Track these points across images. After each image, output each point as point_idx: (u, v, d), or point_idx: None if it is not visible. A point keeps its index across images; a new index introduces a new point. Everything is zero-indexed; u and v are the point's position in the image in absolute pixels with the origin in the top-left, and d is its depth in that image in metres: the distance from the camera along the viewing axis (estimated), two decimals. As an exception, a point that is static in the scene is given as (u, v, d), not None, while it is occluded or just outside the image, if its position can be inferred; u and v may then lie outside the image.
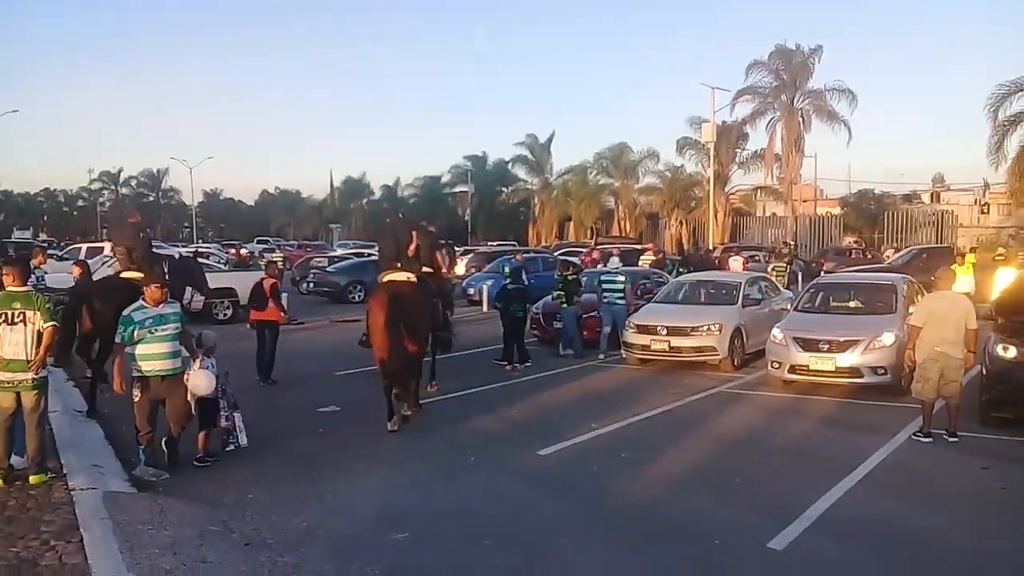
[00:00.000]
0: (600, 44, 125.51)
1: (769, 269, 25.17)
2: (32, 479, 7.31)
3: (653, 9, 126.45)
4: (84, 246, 32.88)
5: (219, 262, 30.08)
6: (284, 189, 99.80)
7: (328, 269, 29.49)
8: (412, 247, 10.71)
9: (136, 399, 7.83)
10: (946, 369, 9.02)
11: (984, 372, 9.93)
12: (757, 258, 31.11)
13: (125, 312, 7.81)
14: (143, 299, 7.94)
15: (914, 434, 9.24)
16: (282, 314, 13.42)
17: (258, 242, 60.18)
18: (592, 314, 16.17)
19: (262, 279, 13.56)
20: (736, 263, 24.73)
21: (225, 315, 21.14)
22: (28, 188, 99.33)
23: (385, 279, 10.53)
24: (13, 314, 7.19)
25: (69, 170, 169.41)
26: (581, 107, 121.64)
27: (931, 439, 9.05)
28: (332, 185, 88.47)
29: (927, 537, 6.39)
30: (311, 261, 33.79)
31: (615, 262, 19.11)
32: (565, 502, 7.37)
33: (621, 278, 16.90)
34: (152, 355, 7.80)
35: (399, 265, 10.59)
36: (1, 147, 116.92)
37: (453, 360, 15.33)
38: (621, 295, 16.03)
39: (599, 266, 22.39)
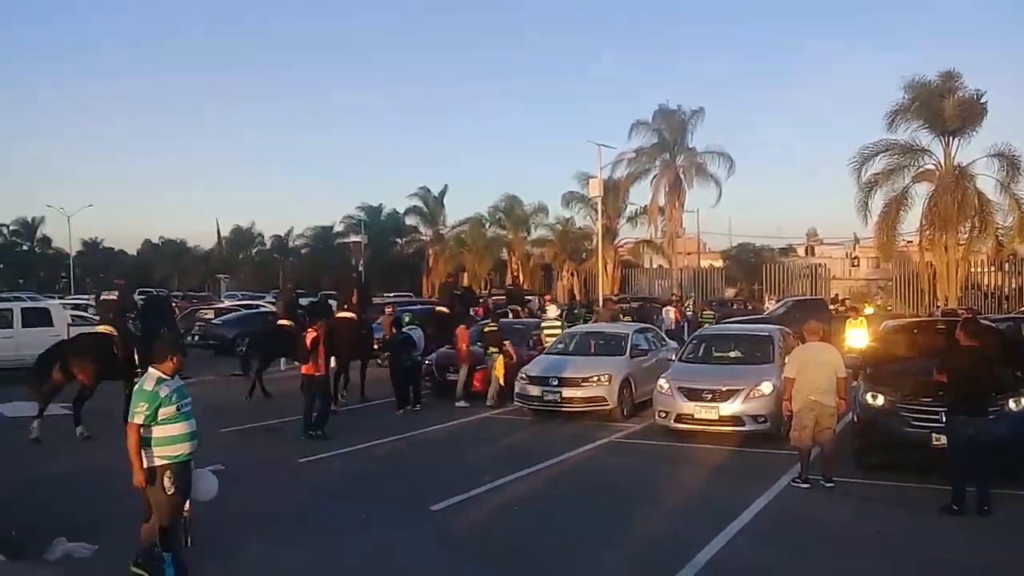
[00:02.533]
0: (489, 97, 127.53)
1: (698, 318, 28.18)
2: None
3: (543, 66, 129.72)
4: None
5: (97, 314, 28.79)
6: (168, 238, 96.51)
7: (214, 321, 28.64)
8: (354, 297, 17.12)
9: (171, 493, 6.28)
10: (820, 417, 9.48)
11: (855, 419, 10.49)
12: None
13: (143, 387, 6.36)
14: (158, 368, 6.45)
15: (792, 481, 9.63)
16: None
17: (140, 294, 57.89)
18: (481, 366, 16.33)
19: (307, 333, 13.34)
20: (670, 312, 27.91)
21: (103, 370, 20.20)
22: None
23: (338, 315, 16.42)
24: None
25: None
26: (474, 160, 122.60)
27: (808, 485, 9.45)
28: (219, 234, 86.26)
29: (805, 580, 6.67)
30: (196, 312, 32.73)
31: (553, 310, 19.97)
32: (457, 559, 7.34)
33: (558, 324, 17.55)
34: (181, 436, 6.37)
35: (346, 307, 16.88)
36: None
37: (346, 414, 15.16)
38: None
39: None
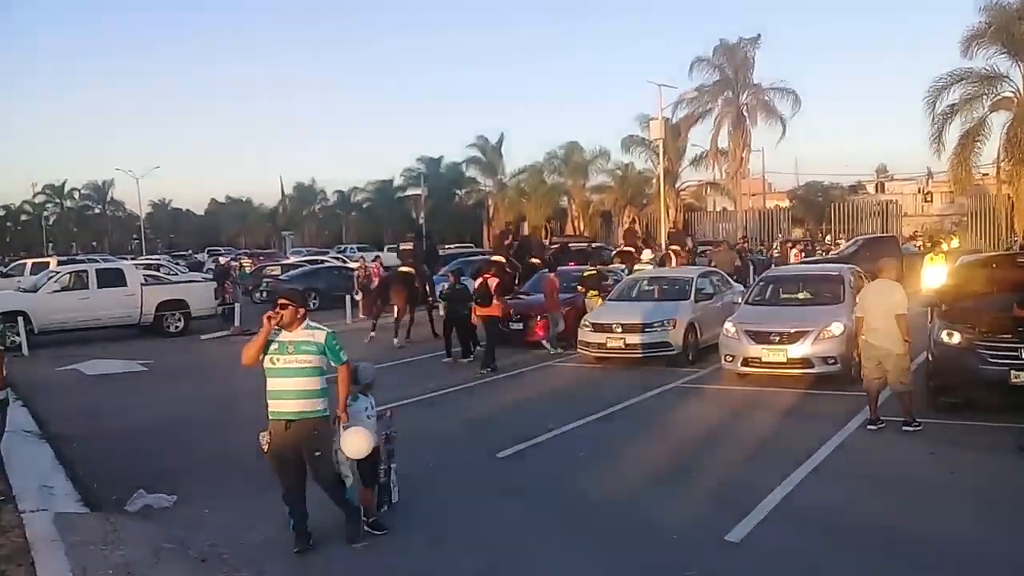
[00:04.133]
0: (546, 44, 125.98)
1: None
2: (-23, 503, 7.14)
3: (598, 9, 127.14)
4: (29, 261, 32.24)
5: (168, 273, 29.64)
6: (234, 197, 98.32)
7: (281, 277, 29.19)
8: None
9: (264, 449, 6.24)
10: (881, 359, 9.19)
11: (930, 358, 10.15)
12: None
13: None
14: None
15: (867, 423, 9.40)
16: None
17: (209, 252, 59.28)
18: (546, 315, 16.32)
19: (485, 278, 14.85)
20: (793, 254, 29.19)
21: (176, 328, 20.85)
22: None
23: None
24: None
25: (11, 183, 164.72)
26: (530, 107, 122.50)
27: (880, 426, 9.22)
28: (283, 192, 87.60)
29: (877, 524, 6.52)
30: (264, 269, 33.40)
31: (648, 255, 20.87)
32: (525, 504, 7.39)
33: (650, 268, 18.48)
34: (275, 392, 6.17)
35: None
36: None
37: (410, 364, 15.36)
38: None
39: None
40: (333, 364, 6.25)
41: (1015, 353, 8.99)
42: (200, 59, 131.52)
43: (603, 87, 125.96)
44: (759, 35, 44.20)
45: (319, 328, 6.30)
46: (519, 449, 9.02)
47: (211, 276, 26.36)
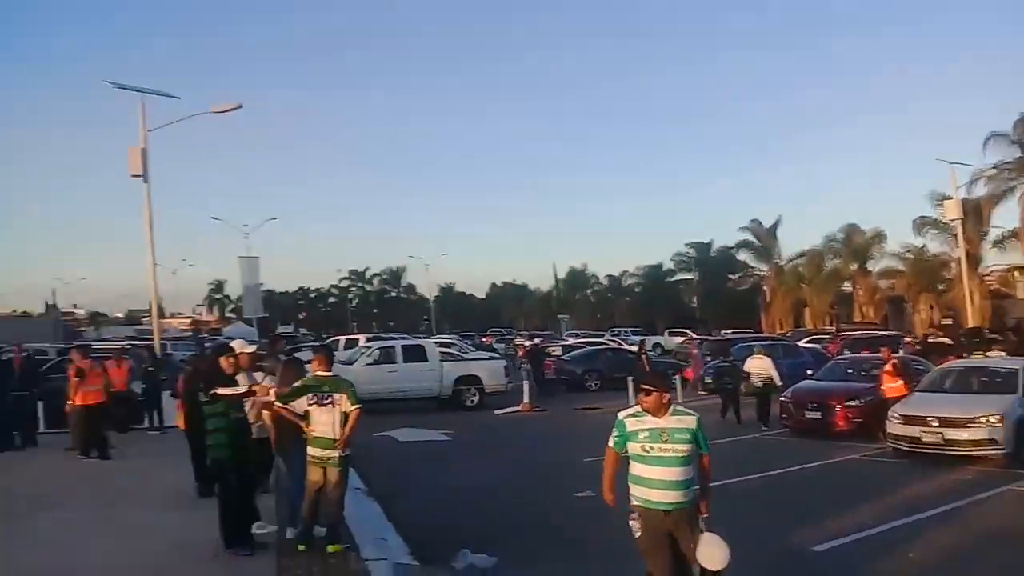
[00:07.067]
0: (819, 124, 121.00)
1: None
2: (329, 548, 7.91)
3: (881, 80, 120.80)
4: (342, 338, 35.60)
5: (460, 351, 31.65)
6: (510, 282, 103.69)
7: (564, 358, 30.15)
8: None
9: (636, 536, 5.79)
10: None
11: None
12: None
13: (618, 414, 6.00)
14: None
15: None
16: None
17: (491, 333, 62.64)
18: (852, 402, 15.56)
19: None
20: None
21: (472, 402, 22.16)
22: (286, 287, 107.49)
23: None
24: (323, 396, 7.98)
25: (321, 269, 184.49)
26: (805, 189, 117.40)
27: None
28: (556, 277, 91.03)
29: None
30: (545, 350, 34.67)
31: None
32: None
33: None
34: (649, 481, 5.72)
35: None
36: (263, 252, 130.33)
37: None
38: None
39: None
40: (701, 452, 5.82)
41: None
42: (480, 163, 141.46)
43: (881, 166, 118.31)
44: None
45: (688, 413, 5.87)
46: (838, 544, 8.49)
47: (507, 355, 27.89)
